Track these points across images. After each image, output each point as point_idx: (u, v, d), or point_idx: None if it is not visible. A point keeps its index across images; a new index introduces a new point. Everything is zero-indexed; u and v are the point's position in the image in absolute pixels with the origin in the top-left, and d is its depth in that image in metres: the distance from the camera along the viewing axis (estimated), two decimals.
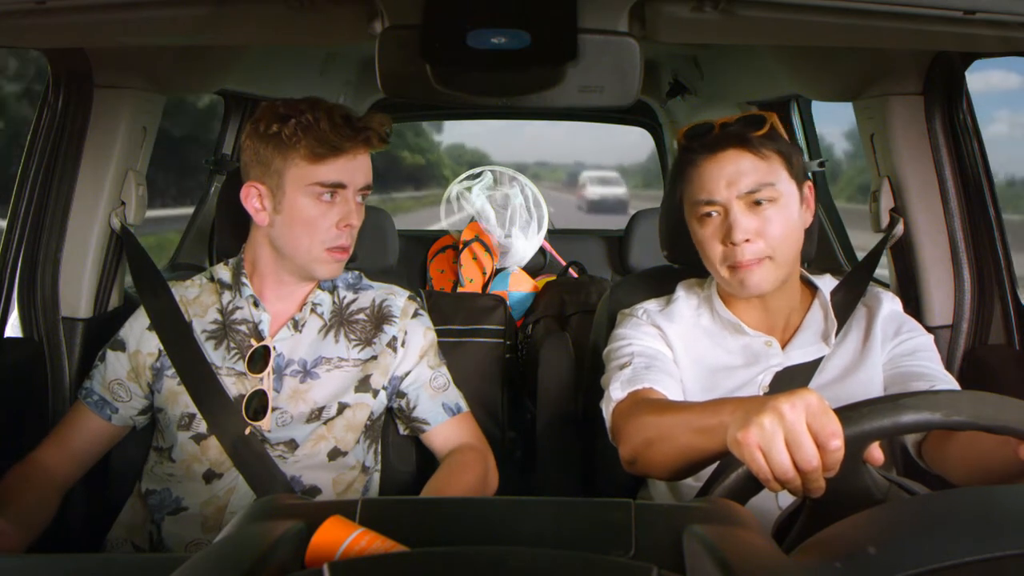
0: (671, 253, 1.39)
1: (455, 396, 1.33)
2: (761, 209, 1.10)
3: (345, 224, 1.21)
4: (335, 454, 1.25)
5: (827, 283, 1.24)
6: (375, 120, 1.22)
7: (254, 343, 1.24)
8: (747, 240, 1.09)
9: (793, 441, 0.72)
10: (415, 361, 1.31)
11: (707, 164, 1.12)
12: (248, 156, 1.22)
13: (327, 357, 1.26)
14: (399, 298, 1.34)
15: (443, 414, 1.30)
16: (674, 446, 0.93)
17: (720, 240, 1.12)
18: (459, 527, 0.54)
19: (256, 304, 1.26)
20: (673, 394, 1.12)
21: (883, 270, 1.46)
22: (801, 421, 0.72)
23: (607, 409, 1.12)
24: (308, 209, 1.19)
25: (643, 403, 1.05)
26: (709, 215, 1.12)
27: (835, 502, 0.72)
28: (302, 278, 1.27)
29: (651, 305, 1.26)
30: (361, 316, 1.31)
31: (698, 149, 1.13)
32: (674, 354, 1.20)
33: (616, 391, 1.10)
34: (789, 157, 1.13)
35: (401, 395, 1.30)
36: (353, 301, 1.32)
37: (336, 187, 1.19)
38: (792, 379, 1.15)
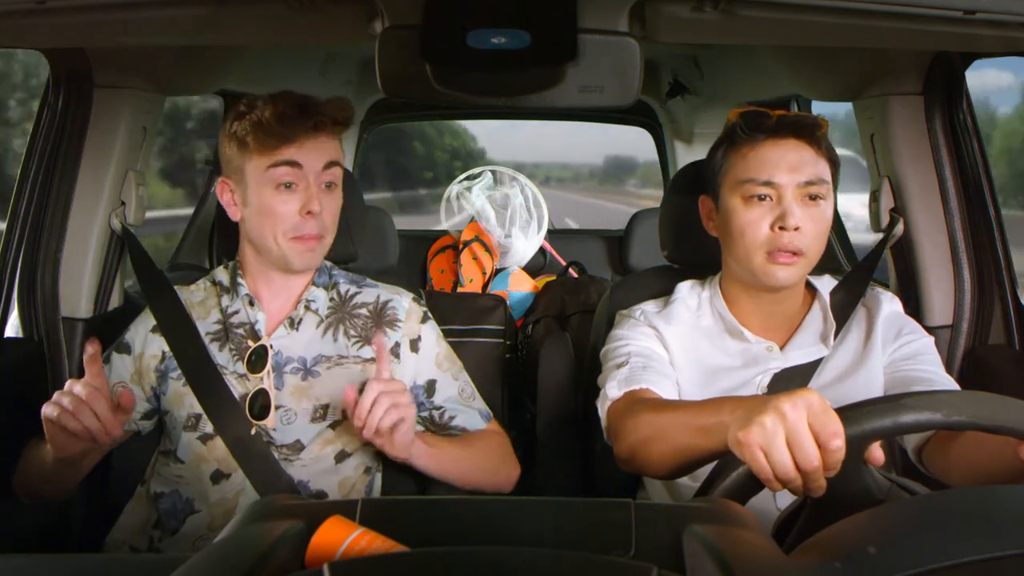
0: (671, 253, 1.39)
1: (481, 401, 1.34)
2: (813, 204, 1.11)
3: (307, 210, 1.19)
4: (342, 456, 1.25)
5: (826, 283, 1.24)
6: (329, 104, 1.21)
7: (251, 343, 1.24)
8: (797, 228, 1.09)
9: (794, 441, 0.72)
10: (435, 370, 1.30)
11: (769, 147, 1.11)
12: (220, 157, 1.26)
13: (326, 356, 1.26)
14: (404, 299, 1.33)
15: (480, 421, 1.31)
16: (672, 445, 0.93)
17: (769, 224, 1.10)
18: (459, 527, 0.54)
19: (252, 303, 1.26)
20: (668, 395, 1.12)
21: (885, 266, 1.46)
22: (802, 421, 0.72)
23: (603, 407, 1.12)
24: (268, 198, 1.19)
25: (640, 402, 1.05)
26: (761, 197, 1.11)
27: (835, 502, 0.72)
28: (284, 271, 1.26)
29: (649, 306, 1.26)
30: (363, 311, 1.30)
31: (761, 130, 1.12)
32: (670, 355, 1.19)
33: (613, 390, 1.11)
34: (836, 164, 1.14)
35: (437, 408, 1.31)
36: (357, 294, 1.32)
37: (289, 166, 1.18)
38: (791, 380, 1.15)
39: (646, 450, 0.98)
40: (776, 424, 0.73)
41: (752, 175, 1.11)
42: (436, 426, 1.32)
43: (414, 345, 1.30)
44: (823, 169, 1.12)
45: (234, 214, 1.25)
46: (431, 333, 1.32)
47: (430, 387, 1.30)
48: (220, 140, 1.25)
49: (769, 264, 1.11)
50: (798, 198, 1.10)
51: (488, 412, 1.34)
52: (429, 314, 1.35)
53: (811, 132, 1.12)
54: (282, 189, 1.19)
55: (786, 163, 1.10)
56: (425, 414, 1.32)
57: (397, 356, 1.28)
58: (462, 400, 1.32)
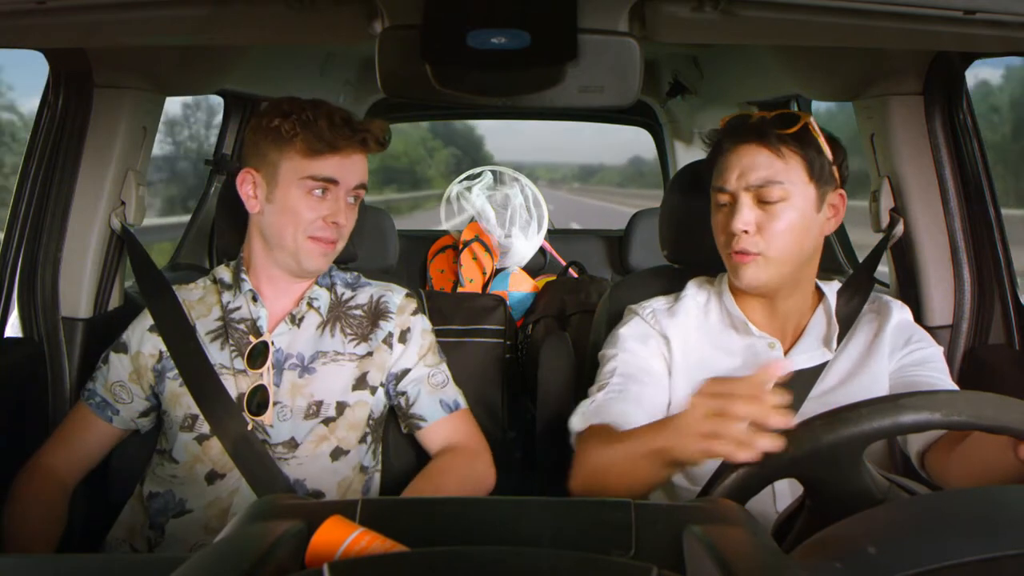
0: (671, 252, 1.39)
1: (453, 393, 1.33)
2: (766, 206, 1.12)
3: (332, 220, 1.22)
4: (337, 453, 1.25)
5: (834, 288, 1.24)
6: (374, 124, 1.25)
7: (252, 339, 1.25)
8: (745, 231, 1.12)
9: (725, 407, 0.78)
10: (414, 360, 1.31)
11: (729, 154, 1.15)
12: (248, 148, 1.26)
13: (323, 351, 1.27)
14: (396, 295, 1.35)
15: (440, 411, 1.30)
16: (621, 474, 0.97)
17: (723, 228, 1.15)
18: (459, 527, 0.54)
19: (255, 299, 1.26)
20: (636, 422, 1.09)
21: (883, 268, 1.46)
22: (719, 392, 0.79)
23: (572, 436, 1.14)
24: (297, 201, 1.21)
25: (593, 437, 1.08)
26: (722, 204, 1.16)
27: (835, 502, 0.72)
28: (292, 273, 1.27)
29: (659, 304, 1.26)
30: (358, 312, 1.32)
31: (727, 139, 1.16)
32: (671, 360, 1.20)
33: (577, 423, 1.13)
34: (811, 161, 1.13)
35: (401, 393, 1.31)
36: (352, 297, 1.33)
37: (328, 182, 1.21)
38: (795, 384, 1.15)
39: (596, 483, 1.01)
40: (697, 413, 0.80)
41: (714, 183, 1.17)
42: (401, 413, 1.32)
43: (403, 336, 1.31)
44: (781, 169, 1.11)
45: (252, 207, 1.25)
46: (420, 325, 1.34)
47: (402, 375, 1.31)
48: (249, 132, 1.26)
49: (733, 263, 1.15)
50: (749, 201, 1.13)
51: (457, 403, 1.32)
52: (420, 308, 1.36)
53: (767, 134, 1.11)
54: (313, 195, 1.21)
55: (738, 168, 1.13)
56: (395, 403, 1.32)
57: (390, 346, 1.30)
58: (428, 386, 1.31)
